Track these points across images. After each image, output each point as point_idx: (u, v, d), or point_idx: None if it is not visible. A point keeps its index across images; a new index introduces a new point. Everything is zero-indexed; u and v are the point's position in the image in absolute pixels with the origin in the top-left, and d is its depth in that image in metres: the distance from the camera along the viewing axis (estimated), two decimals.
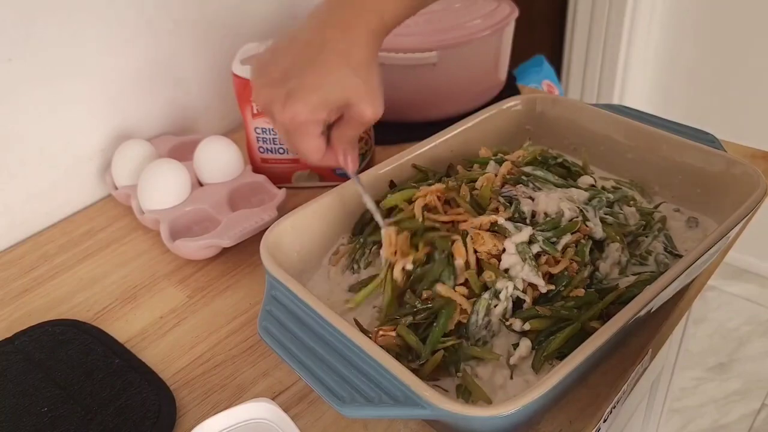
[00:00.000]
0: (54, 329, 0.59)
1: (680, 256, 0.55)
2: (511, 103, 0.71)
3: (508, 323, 0.49)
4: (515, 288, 0.49)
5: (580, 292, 0.49)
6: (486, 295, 0.49)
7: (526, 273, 0.49)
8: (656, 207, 0.62)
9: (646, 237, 0.57)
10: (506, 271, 0.50)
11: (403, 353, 0.48)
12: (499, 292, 0.49)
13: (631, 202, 0.60)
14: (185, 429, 0.50)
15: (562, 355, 0.45)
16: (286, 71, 0.49)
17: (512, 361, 0.47)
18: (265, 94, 0.50)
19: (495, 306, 0.49)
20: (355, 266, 0.58)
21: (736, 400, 1.49)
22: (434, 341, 0.47)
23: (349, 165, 0.54)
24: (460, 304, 0.48)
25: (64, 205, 0.75)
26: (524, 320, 0.48)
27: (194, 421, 0.48)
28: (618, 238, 0.54)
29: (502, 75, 0.90)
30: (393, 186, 0.63)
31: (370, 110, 0.51)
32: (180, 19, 0.80)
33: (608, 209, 0.57)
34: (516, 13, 0.86)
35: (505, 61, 0.89)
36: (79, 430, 0.50)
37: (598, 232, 0.54)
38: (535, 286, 0.51)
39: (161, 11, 0.78)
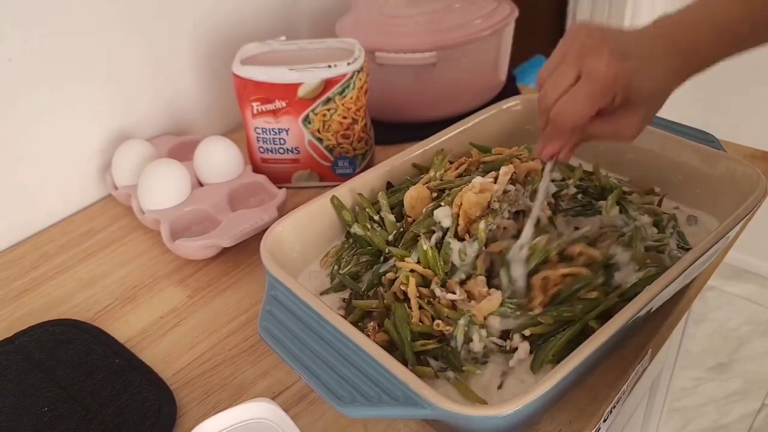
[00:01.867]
0: (54, 329, 0.59)
1: (690, 248, 0.55)
2: (511, 103, 0.71)
3: (506, 347, 0.48)
4: (488, 336, 0.48)
5: (593, 294, 0.49)
6: (462, 321, 0.48)
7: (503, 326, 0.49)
8: (659, 203, 0.62)
9: (662, 242, 0.57)
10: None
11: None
12: (471, 336, 0.48)
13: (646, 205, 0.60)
14: (185, 429, 0.50)
15: (560, 356, 0.45)
16: (622, 43, 0.48)
17: (511, 363, 0.47)
18: (594, 41, 0.48)
19: (471, 341, 0.48)
20: (335, 267, 0.58)
21: (736, 400, 1.48)
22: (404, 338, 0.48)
23: (566, 153, 0.53)
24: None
25: (64, 205, 0.75)
26: (525, 328, 0.48)
27: (194, 421, 0.48)
28: (642, 259, 0.54)
29: (502, 75, 0.90)
30: (390, 187, 0.63)
31: (633, 129, 0.51)
32: (180, 20, 0.80)
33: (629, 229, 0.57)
34: (516, 13, 0.86)
35: (505, 61, 0.89)
36: (79, 430, 0.50)
37: (623, 257, 0.54)
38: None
39: (161, 11, 0.78)
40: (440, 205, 0.55)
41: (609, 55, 0.47)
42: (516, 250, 0.52)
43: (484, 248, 0.53)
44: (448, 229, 0.54)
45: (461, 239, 0.53)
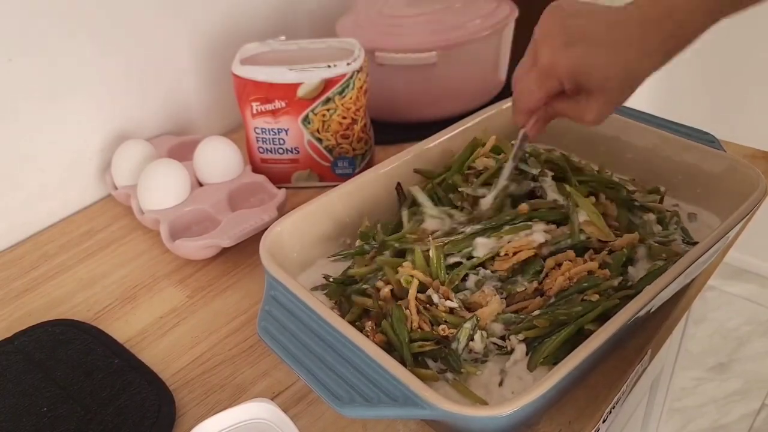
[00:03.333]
0: (54, 329, 0.59)
1: (696, 243, 0.55)
2: (511, 103, 0.71)
3: (506, 347, 0.48)
4: (489, 337, 0.49)
5: (594, 296, 0.49)
6: (467, 325, 0.48)
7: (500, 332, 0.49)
8: (660, 201, 0.62)
9: (669, 238, 0.57)
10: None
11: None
12: (474, 335, 0.48)
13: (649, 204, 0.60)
14: (185, 429, 0.50)
15: (557, 358, 0.45)
16: (582, 25, 0.49)
17: (507, 365, 0.47)
18: (553, 26, 0.50)
19: (472, 341, 0.48)
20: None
21: (736, 400, 1.48)
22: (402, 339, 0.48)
23: (531, 131, 0.56)
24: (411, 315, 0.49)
25: (64, 205, 0.75)
26: (520, 332, 0.48)
27: (194, 421, 0.47)
28: (658, 252, 0.54)
29: (502, 75, 0.90)
30: (400, 189, 0.63)
31: (593, 115, 0.51)
32: (180, 19, 0.80)
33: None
34: (516, 13, 0.86)
35: (505, 61, 0.89)
36: (79, 430, 0.50)
37: (641, 252, 0.55)
38: (540, 291, 0.51)
39: (162, 11, 0.78)
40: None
41: (556, 43, 0.49)
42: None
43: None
44: (475, 258, 0.54)
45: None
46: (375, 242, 0.57)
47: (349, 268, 0.57)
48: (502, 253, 0.53)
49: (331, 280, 0.56)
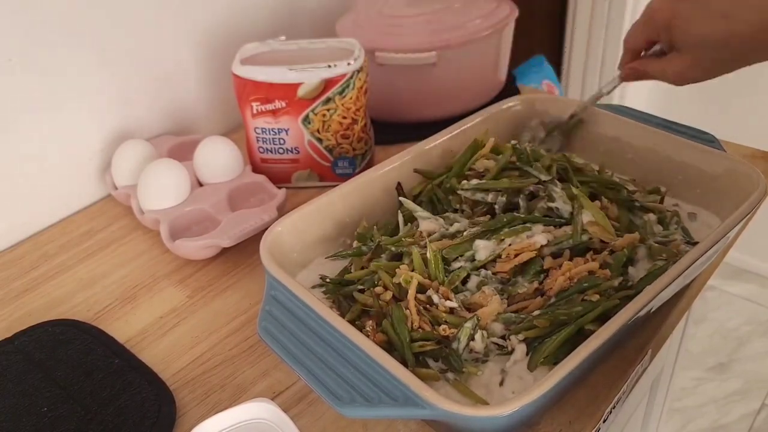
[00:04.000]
0: (54, 329, 0.59)
1: (697, 243, 0.55)
2: (511, 103, 0.71)
3: (507, 347, 0.48)
4: (489, 337, 0.49)
5: (595, 296, 0.49)
6: (468, 324, 0.48)
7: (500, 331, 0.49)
8: (660, 201, 0.62)
9: (669, 238, 0.57)
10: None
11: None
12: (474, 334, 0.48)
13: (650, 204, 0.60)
14: (185, 429, 0.50)
15: (557, 358, 0.45)
16: None
17: (508, 365, 0.47)
18: None
19: (473, 341, 0.48)
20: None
21: (736, 400, 1.48)
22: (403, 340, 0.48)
23: (625, 73, 0.62)
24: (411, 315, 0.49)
25: (64, 205, 0.75)
26: (520, 332, 0.48)
27: (194, 421, 0.48)
28: (658, 252, 0.54)
29: (502, 75, 0.90)
30: (400, 188, 0.63)
31: (675, 69, 0.54)
32: (180, 19, 0.80)
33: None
34: (516, 13, 0.86)
35: (505, 61, 0.89)
36: (79, 430, 0.50)
37: (641, 252, 0.55)
38: (541, 291, 0.51)
39: (161, 11, 0.78)
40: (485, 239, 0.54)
41: None
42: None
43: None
44: (477, 261, 0.53)
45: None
46: (372, 243, 0.57)
47: (346, 268, 0.58)
48: (503, 256, 0.53)
49: (327, 280, 0.56)
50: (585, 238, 0.54)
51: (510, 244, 0.53)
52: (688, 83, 0.55)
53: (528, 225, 0.55)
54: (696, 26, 0.50)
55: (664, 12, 0.53)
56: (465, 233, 0.55)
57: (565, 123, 0.69)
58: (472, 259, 0.53)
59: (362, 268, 0.56)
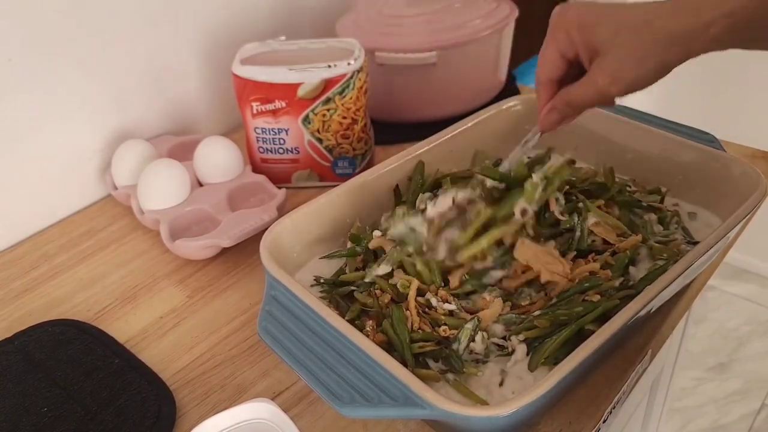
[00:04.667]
0: (54, 329, 0.59)
1: (698, 242, 0.55)
2: (511, 103, 0.71)
3: (507, 348, 0.48)
4: (490, 338, 0.49)
5: (596, 297, 0.49)
6: (469, 326, 0.48)
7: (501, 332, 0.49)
8: (661, 201, 0.62)
9: (670, 237, 0.57)
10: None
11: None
12: (475, 335, 0.48)
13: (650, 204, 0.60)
14: (185, 429, 0.50)
15: (557, 358, 0.45)
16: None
17: (508, 365, 0.47)
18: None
19: (473, 342, 0.48)
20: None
21: (736, 400, 1.48)
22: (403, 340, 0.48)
23: (541, 119, 0.52)
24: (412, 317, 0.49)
25: (64, 205, 0.75)
26: (520, 332, 0.48)
27: (194, 422, 0.48)
28: (659, 252, 0.54)
29: (502, 75, 0.90)
30: (398, 192, 0.63)
31: (604, 76, 0.46)
32: (180, 19, 0.80)
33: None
34: (516, 13, 0.86)
35: (505, 61, 0.89)
36: (79, 430, 0.50)
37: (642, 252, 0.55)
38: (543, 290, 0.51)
39: (161, 11, 0.78)
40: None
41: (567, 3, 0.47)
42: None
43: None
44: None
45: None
46: (366, 243, 0.57)
47: (341, 268, 0.57)
48: (510, 273, 0.53)
49: (321, 281, 0.56)
50: (589, 241, 0.54)
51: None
52: (627, 88, 0.46)
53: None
54: (612, 12, 0.45)
55: (571, 11, 0.47)
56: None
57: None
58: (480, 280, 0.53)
59: (357, 269, 0.56)
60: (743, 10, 0.41)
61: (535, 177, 0.52)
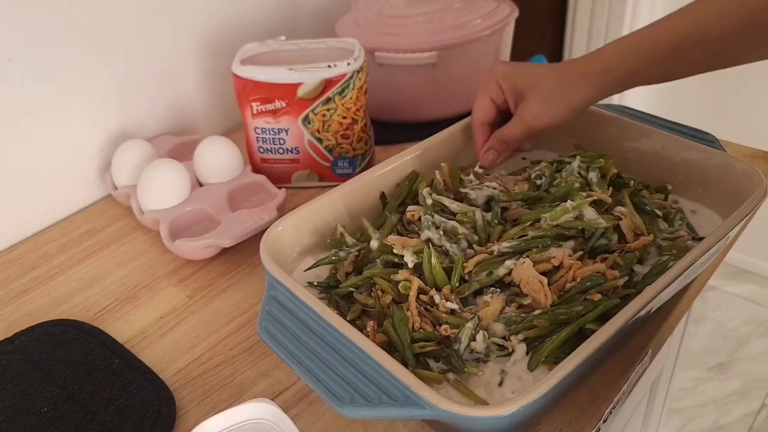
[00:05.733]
0: (54, 329, 0.59)
1: (702, 238, 0.55)
2: None
3: (508, 348, 0.48)
4: (491, 337, 0.49)
5: (597, 296, 0.49)
6: (470, 325, 0.48)
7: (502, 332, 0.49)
8: (665, 198, 0.62)
9: (675, 234, 0.57)
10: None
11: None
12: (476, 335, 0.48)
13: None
14: (185, 429, 0.50)
15: (558, 358, 0.45)
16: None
17: (508, 365, 0.47)
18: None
19: (474, 341, 0.48)
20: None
21: (736, 400, 1.48)
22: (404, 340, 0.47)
23: (481, 157, 0.64)
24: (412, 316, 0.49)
25: (64, 205, 0.75)
26: (520, 332, 0.48)
27: (194, 421, 0.48)
28: (668, 249, 0.54)
29: None
30: (384, 199, 0.63)
31: (530, 113, 0.59)
32: (180, 20, 0.80)
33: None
34: (516, 13, 0.86)
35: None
36: (79, 430, 0.50)
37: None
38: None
39: (161, 11, 0.78)
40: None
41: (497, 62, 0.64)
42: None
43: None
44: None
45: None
46: (349, 248, 0.57)
47: (333, 273, 0.57)
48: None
49: (315, 284, 0.56)
50: (605, 241, 0.54)
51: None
52: (547, 123, 0.59)
53: (559, 243, 0.54)
54: (532, 67, 0.60)
55: (500, 67, 0.61)
56: (495, 250, 0.53)
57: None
58: (489, 273, 0.53)
59: (347, 274, 0.56)
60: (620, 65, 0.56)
61: (569, 203, 0.55)
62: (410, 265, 0.52)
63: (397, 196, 0.62)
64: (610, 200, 0.57)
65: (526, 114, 0.59)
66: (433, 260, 0.51)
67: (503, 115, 0.63)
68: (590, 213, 0.55)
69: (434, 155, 0.65)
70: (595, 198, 0.56)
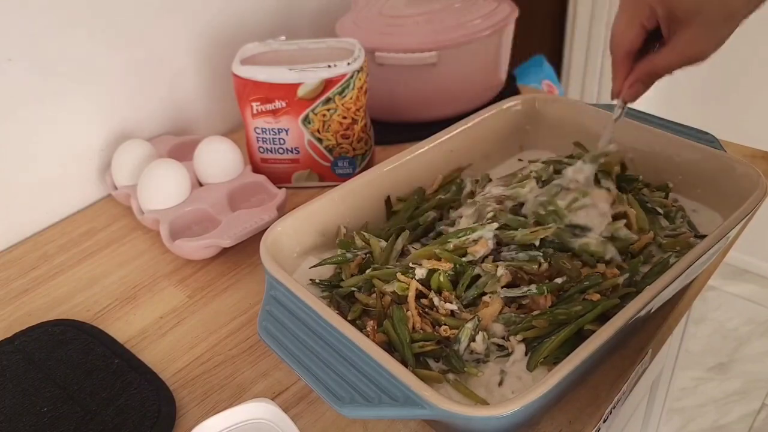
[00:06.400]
0: (54, 329, 0.59)
1: (705, 236, 0.55)
2: (510, 103, 0.71)
3: (508, 348, 0.48)
4: (490, 338, 0.49)
5: (596, 296, 0.49)
6: (470, 325, 0.48)
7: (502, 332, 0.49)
8: (666, 197, 0.62)
9: (677, 231, 0.57)
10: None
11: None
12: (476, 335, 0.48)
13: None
14: (185, 429, 0.50)
15: (557, 358, 0.45)
16: None
17: (507, 365, 0.47)
18: None
19: (473, 341, 0.48)
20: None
21: (736, 400, 1.49)
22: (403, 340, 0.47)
23: (626, 92, 0.54)
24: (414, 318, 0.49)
25: (64, 205, 0.75)
26: (518, 332, 0.48)
27: (194, 421, 0.48)
28: (672, 246, 0.55)
29: (502, 75, 0.90)
30: (389, 204, 0.63)
31: (696, 46, 0.49)
32: (180, 19, 0.80)
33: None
34: (516, 13, 0.86)
35: (505, 61, 0.89)
36: (79, 430, 0.50)
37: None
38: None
39: (161, 11, 0.78)
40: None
41: None
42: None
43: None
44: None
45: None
46: (357, 250, 0.57)
47: (337, 271, 0.57)
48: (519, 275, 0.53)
49: (318, 281, 0.56)
50: (623, 234, 0.54)
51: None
52: (709, 54, 0.50)
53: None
54: None
55: None
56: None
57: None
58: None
59: (353, 275, 0.56)
60: None
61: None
62: (418, 277, 0.52)
63: (407, 208, 0.62)
64: (633, 212, 0.57)
65: (689, 48, 0.49)
66: (442, 278, 0.51)
67: (648, 41, 0.53)
68: (623, 231, 0.55)
69: (434, 155, 0.65)
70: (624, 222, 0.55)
